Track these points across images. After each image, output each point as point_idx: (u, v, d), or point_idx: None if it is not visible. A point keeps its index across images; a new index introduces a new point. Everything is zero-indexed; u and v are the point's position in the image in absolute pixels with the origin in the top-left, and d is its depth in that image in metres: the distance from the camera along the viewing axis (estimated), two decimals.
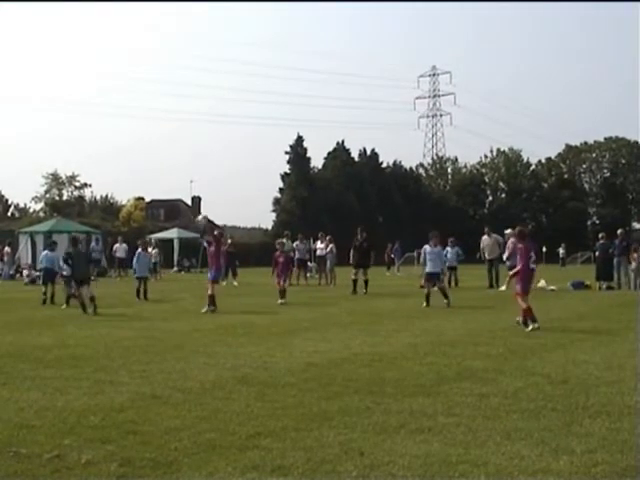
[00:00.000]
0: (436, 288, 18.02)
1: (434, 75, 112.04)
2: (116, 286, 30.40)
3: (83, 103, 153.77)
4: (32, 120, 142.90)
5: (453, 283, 26.34)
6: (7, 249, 35.56)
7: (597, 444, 5.56)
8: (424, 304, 17.62)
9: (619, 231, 26.81)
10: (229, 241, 32.57)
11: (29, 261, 36.61)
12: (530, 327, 12.98)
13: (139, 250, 22.25)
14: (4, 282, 32.71)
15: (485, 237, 27.02)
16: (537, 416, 6.45)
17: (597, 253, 27.36)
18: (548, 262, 55.04)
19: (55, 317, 15.97)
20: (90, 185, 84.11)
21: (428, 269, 18.33)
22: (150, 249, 36.84)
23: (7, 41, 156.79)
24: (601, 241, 26.87)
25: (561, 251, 56.89)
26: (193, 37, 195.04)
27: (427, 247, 18.52)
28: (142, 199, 71.95)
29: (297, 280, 29.42)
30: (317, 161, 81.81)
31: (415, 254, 49.30)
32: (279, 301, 19.04)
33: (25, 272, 32.16)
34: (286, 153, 77.96)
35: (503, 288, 24.36)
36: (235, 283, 29.73)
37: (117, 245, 37.60)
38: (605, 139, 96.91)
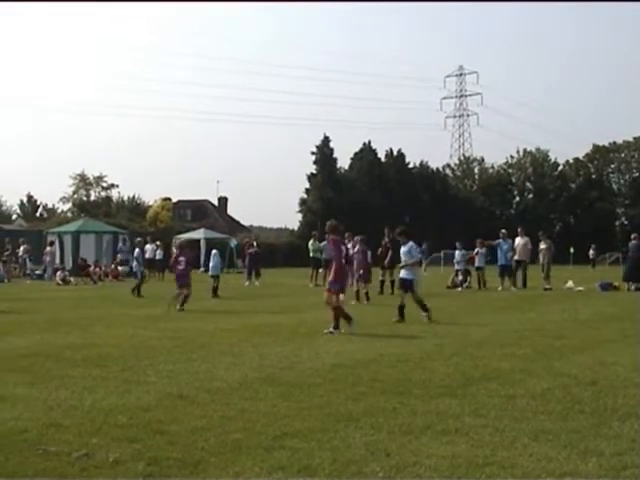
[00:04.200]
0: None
1: (461, 75, 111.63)
2: (143, 286, 30.52)
3: (90, 104, 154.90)
4: (42, 121, 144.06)
5: (482, 284, 26.23)
6: (49, 249, 35.74)
7: (626, 446, 5.50)
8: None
9: None
10: (254, 243, 32.65)
11: (57, 261, 37.00)
12: (329, 330, 12.64)
13: (214, 250, 24.53)
14: (33, 282, 33.04)
15: (518, 238, 26.87)
16: (565, 418, 6.39)
17: (629, 253, 27.03)
18: (576, 263, 54.50)
19: (83, 317, 16.09)
20: (117, 186, 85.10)
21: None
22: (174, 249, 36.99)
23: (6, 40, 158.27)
24: (633, 241, 26.57)
25: (591, 252, 56.24)
26: (216, 37, 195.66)
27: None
28: (169, 199, 72.22)
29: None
30: (343, 162, 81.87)
31: (442, 254, 49.30)
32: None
33: (58, 273, 32.39)
34: (312, 154, 78.03)
35: (500, 289, 24.93)
36: (257, 283, 29.78)
37: (147, 246, 37.76)
38: (634, 139, 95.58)
